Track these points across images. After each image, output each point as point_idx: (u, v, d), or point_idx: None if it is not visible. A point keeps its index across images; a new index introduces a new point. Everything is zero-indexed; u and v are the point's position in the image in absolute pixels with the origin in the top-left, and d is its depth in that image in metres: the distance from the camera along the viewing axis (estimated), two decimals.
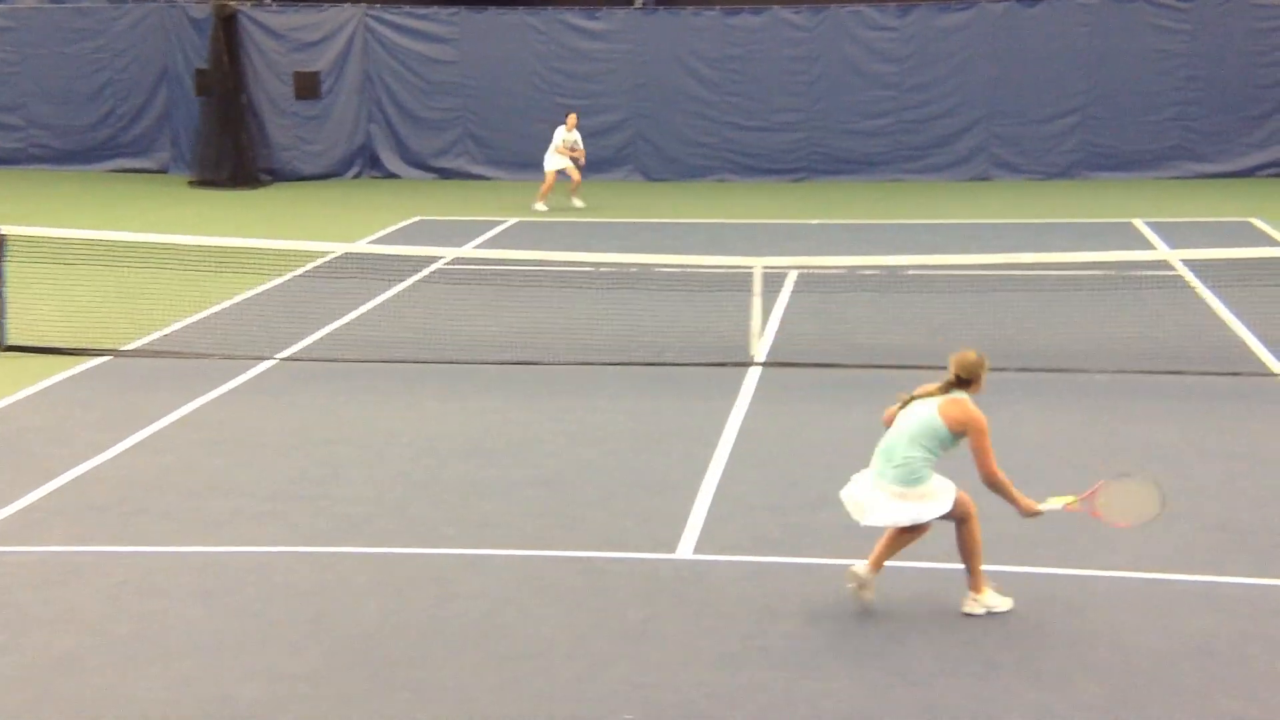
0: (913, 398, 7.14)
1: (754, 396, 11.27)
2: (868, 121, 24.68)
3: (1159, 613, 7.16)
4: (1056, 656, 6.68)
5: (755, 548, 8.14)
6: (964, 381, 7.11)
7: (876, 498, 7.03)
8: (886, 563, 7.18)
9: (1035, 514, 7.08)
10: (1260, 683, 6.38)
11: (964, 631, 6.96)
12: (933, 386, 7.15)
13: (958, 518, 7.09)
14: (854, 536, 8.26)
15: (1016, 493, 7.05)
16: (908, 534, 7.16)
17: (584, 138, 25.50)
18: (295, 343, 13.24)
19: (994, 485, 7.02)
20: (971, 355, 7.18)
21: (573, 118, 21.49)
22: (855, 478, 7.21)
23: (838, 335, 12.92)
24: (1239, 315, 13.41)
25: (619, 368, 12.23)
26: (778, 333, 13.20)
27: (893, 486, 6.99)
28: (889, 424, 7.21)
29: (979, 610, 7.10)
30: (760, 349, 12.50)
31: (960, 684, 6.43)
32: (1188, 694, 6.29)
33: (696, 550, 8.10)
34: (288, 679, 6.61)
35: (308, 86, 25.65)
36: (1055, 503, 7.13)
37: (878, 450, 7.10)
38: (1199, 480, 9.13)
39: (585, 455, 9.93)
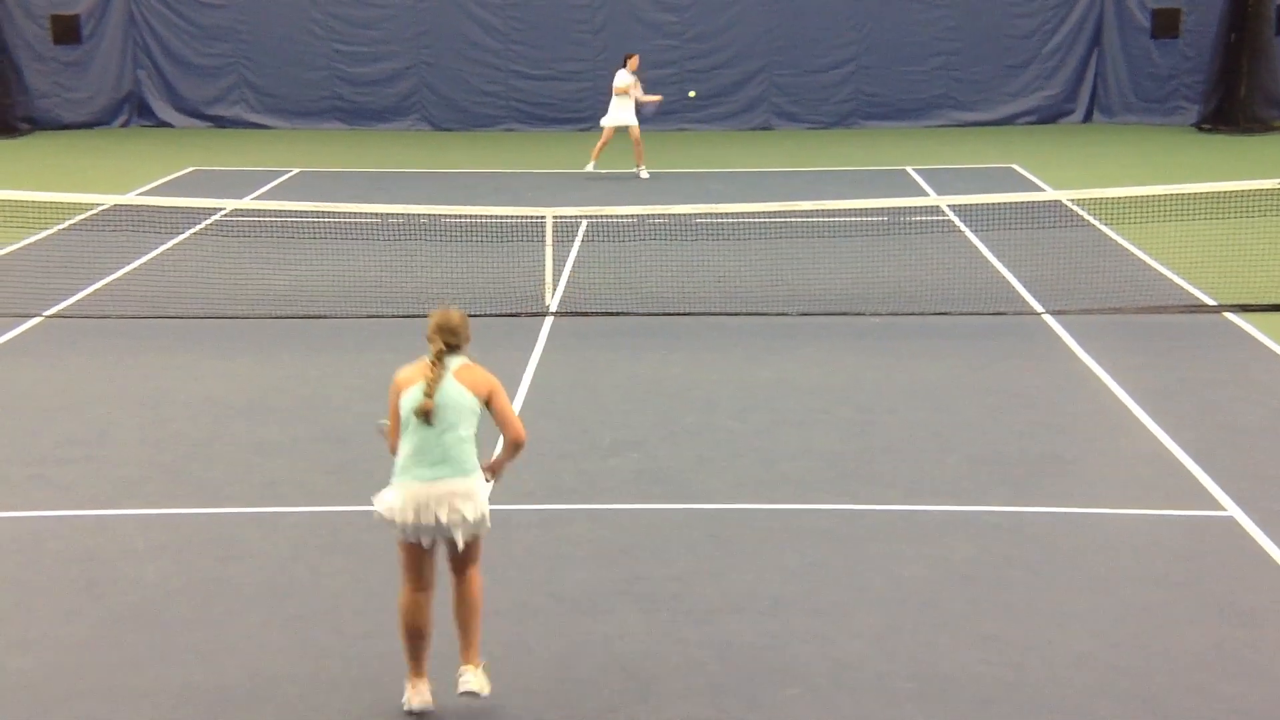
0: (426, 402, 5.80)
1: (546, 346, 11.31)
2: (652, 71, 24.76)
3: (927, 542, 7.55)
4: (835, 590, 6.97)
5: (548, 496, 8.20)
6: (455, 347, 5.96)
7: (435, 506, 5.80)
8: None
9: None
10: (1020, 604, 6.81)
11: (749, 571, 7.19)
12: (419, 367, 5.92)
13: (477, 541, 5.93)
14: (645, 482, 8.43)
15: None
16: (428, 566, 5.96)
17: (364, 87, 24.91)
18: (62, 299, 12.59)
19: (521, 446, 6.01)
20: (455, 316, 5.99)
21: (634, 60, 19.46)
22: (386, 494, 5.90)
23: (628, 284, 13.06)
24: (1002, 258, 14.14)
25: (408, 320, 12.06)
26: (569, 282, 13.25)
27: (451, 484, 5.80)
28: (396, 440, 5.93)
29: (486, 689, 5.87)
30: (553, 299, 12.53)
31: (747, 621, 6.65)
32: (954, 618, 6.66)
33: (490, 501, 8.09)
34: (61, 647, 6.36)
35: (66, 30, 24.25)
36: None
37: (409, 456, 5.84)
38: (965, 415, 9.63)
39: (375, 410, 9.76)
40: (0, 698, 5.96)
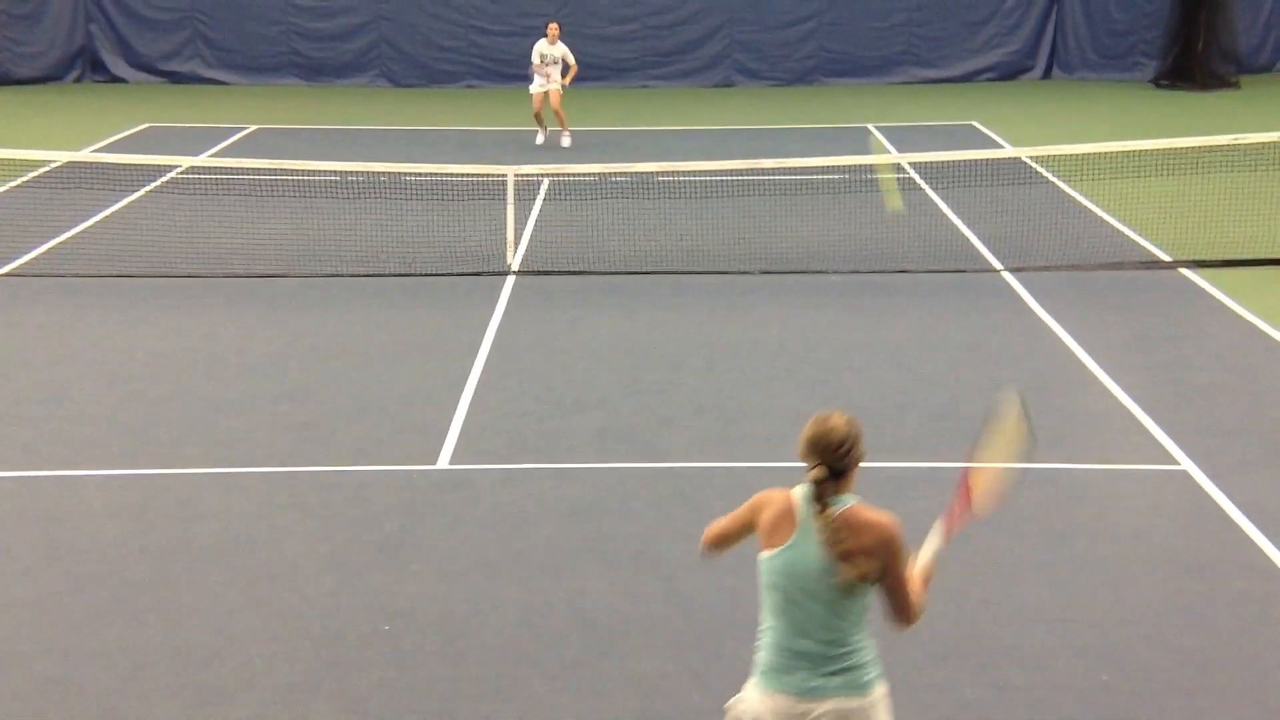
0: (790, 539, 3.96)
1: (509, 305, 11.28)
2: (615, 27, 24.69)
3: (886, 498, 7.55)
4: None
5: (512, 455, 8.21)
6: (838, 473, 3.95)
7: None
8: None
9: (929, 571, 4.23)
10: (976, 558, 6.89)
11: None
12: (784, 503, 4.01)
13: None
14: (609, 440, 8.46)
15: (924, 573, 4.20)
16: None
17: (322, 42, 24.57)
18: (15, 257, 12.42)
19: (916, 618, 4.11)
20: (838, 422, 3.98)
21: (554, 28, 18.21)
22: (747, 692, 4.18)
23: (590, 242, 13.03)
24: (962, 215, 14.20)
25: (370, 279, 12.00)
26: (531, 240, 13.20)
27: (845, 701, 3.99)
28: (723, 531, 4.18)
29: None
30: (515, 257, 12.49)
31: (709, 576, 6.69)
32: None
33: (454, 460, 8.12)
34: (19, 606, 6.32)
35: None
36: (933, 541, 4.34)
37: (773, 647, 4.10)
38: (925, 372, 9.71)
39: (336, 369, 9.75)
40: None
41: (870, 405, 9.03)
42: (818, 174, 15.04)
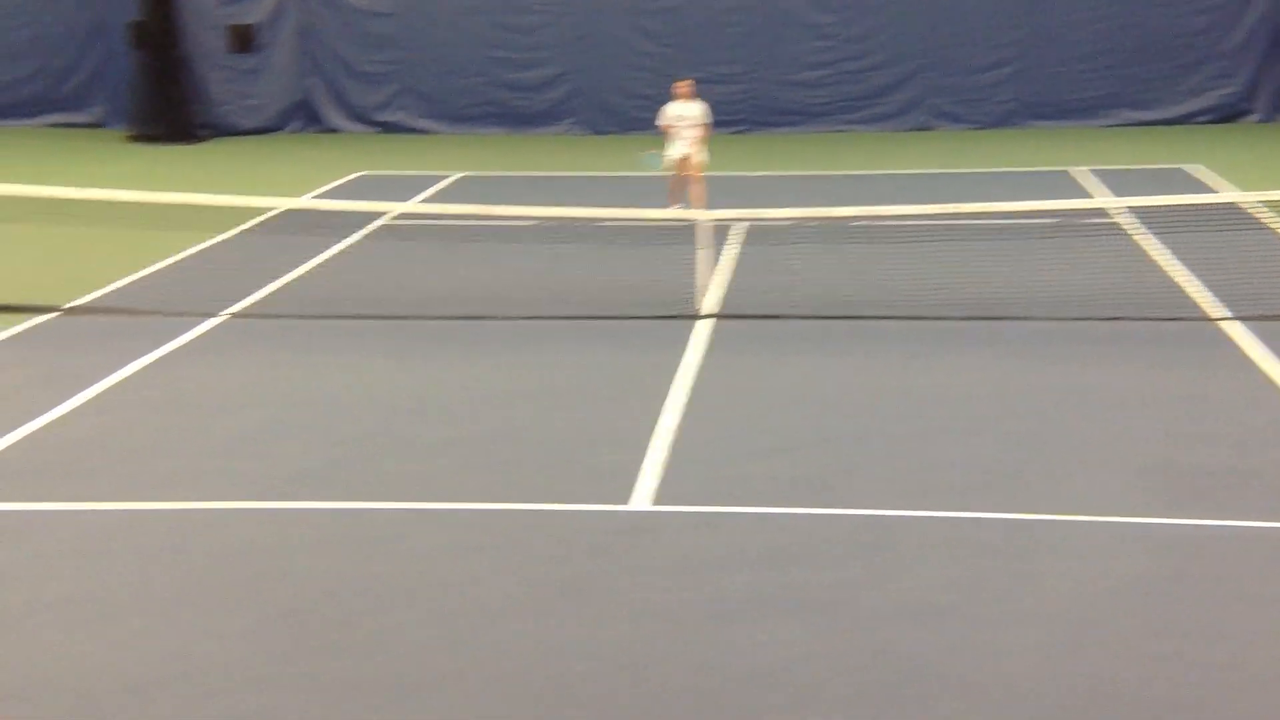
0: None
1: (704, 349, 11.32)
2: (808, 72, 24.69)
3: (1097, 556, 7.32)
4: (999, 602, 6.81)
5: (707, 498, 8.21)
6: None
7: None
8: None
9: None
10: (1193, 623, 6.55)
11: (911, 578, 7.08)
12: None
13: None
14: (804, 486, 8.38)
15: None
16: None
17: (525, 92, 25.29)
18: (239, 300, 13.10)
19: None
20: None
21: (682, 86, 15.83)
22: None
23: (784, 287, 12.99)
24: (1179, 261, 13.63)
25: (566, 322, 12.23)
26: (725, 285, 13.24)
27: None
28: None
29: None
30: (708, 301, 12.55)
31: (909, 629, 6.55)
32: (1124, 635, 6.44)
33: (646, 503, 8.16)
34: (227, 636, 6.58)
35: (242, 39, 25.27)
36: None
37: None
38: (1137, 424, 9.31)
39: (534, 409, 9.95)
40: (159, 686, 6.14)
41: (1077, 458, 8.72)
42: (1021, 219, 14.67)
